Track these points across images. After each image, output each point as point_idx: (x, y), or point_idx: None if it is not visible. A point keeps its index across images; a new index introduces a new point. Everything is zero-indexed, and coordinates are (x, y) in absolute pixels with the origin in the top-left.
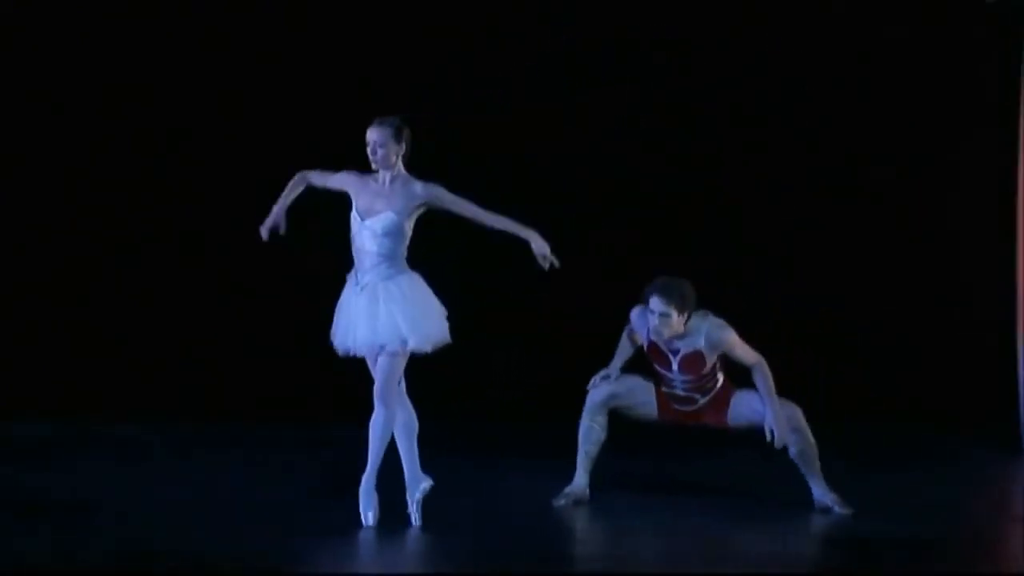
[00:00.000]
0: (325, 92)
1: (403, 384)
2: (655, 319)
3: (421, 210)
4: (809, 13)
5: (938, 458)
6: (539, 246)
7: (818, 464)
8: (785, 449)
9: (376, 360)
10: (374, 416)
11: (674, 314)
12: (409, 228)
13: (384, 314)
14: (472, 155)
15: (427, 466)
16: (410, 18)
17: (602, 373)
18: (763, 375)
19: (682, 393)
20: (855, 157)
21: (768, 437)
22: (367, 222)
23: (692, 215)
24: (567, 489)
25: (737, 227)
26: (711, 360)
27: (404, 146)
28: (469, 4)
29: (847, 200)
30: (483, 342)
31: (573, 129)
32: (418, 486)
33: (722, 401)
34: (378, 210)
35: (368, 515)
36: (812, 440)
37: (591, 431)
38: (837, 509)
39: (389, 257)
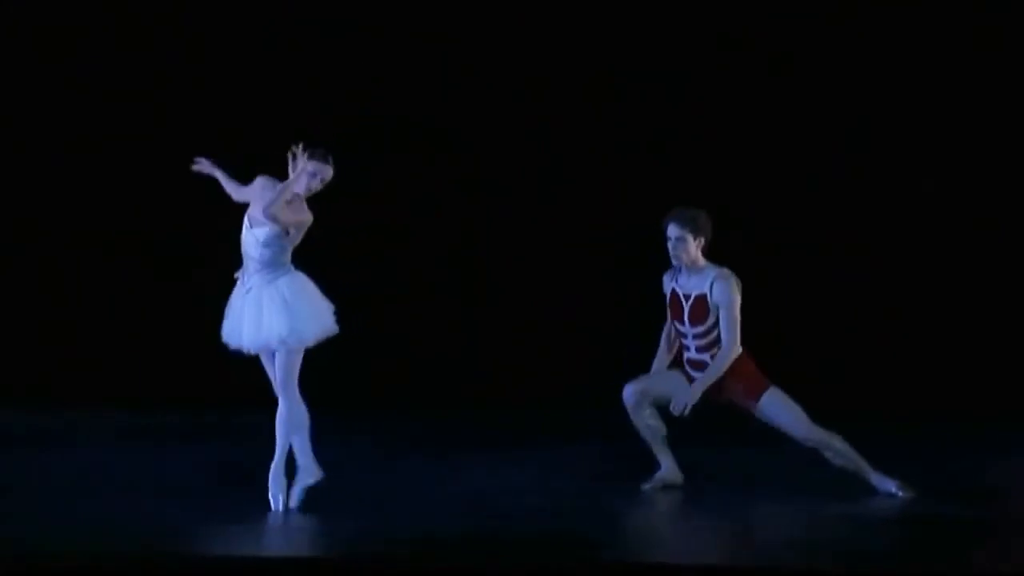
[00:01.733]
0: (325, 92)
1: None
2: (671, 245)
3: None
4: (812, 13)
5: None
6: None
7: (861, 460)
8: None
9: (270, 358)
10: (279, 409)
11: (689, 237)
12: (287, 242)
13: (266, 317)
14: (472, 155)
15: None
16: (410, 18)
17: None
18: (725, 358)
19: (696, 356)
20: (855, 157)
21: (673, 403)
22: (254, 230)
23: None
24: (657, 475)
25: (737, 227)
26: (712, 313)
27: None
28: (469, 4)
29: (847, 200)
30: (482, 339)
31: (573, 129)
32: (308, 476)
33: (756, 384)
34: (263, 221)
35: (278, 499)
36: (839, 444)
37: (646, 429)
38: (901, 493)
39: (270, 264)
